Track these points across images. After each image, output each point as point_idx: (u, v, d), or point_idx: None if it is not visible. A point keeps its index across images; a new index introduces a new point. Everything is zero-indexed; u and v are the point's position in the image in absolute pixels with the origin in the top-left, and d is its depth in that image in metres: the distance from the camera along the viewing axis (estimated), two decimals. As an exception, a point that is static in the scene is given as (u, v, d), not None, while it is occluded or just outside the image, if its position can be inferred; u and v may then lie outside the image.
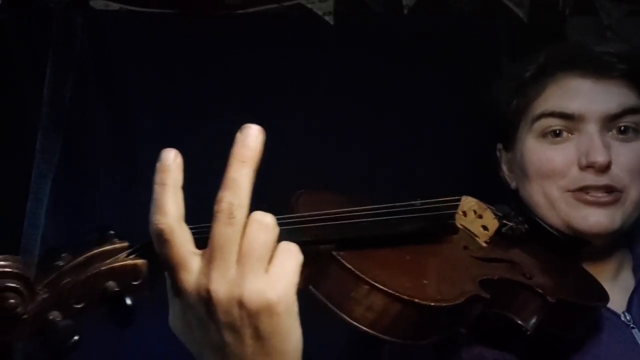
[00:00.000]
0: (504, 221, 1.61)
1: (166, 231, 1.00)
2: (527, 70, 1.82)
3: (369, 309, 1.15)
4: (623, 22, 2.72)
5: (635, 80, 1.75)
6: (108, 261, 1.01)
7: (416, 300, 1.15)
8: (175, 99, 2.47)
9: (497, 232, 1.56)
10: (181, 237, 1.01)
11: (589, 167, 1.67)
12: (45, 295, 0.95)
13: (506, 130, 1.85)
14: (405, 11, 2.61)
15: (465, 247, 1.46)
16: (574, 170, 1.69)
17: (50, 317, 0.95)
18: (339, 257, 1.16)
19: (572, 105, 1.71)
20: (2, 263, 0.91)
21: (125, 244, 1.04)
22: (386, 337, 1.18)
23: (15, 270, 0.91)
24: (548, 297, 1.40)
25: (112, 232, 1.05)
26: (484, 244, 1.53)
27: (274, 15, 2.59)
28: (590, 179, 1.67)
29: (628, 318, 1.71)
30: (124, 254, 1.02)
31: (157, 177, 1.02)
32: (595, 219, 1.68)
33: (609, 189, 1.67)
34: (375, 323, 1.16)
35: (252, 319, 1.01)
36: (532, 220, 1.72)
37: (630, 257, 1.85)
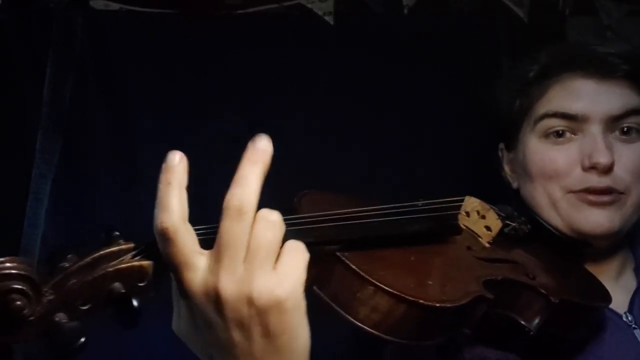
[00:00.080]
0: (507, 222, 1.60)
1: (170, 230, 0.99)
2: (530, 71, 1.82)
3: (373, 309, 1.15)
4: (623, 22, 2.72)
5: (638, 81, 1.75)
6: (114, 262, 1.00)
7: (421, 301, 1.15)
8: (175, 99, 2.48)
9: (500, 232, 1.56)
10: (185, 236, 1.01)
11: (591, 168, 1.66)
12: (51, 297, 0.95)
13: (508, 130, 1.85)
14: (405, 11, 2.61)
15: (469, 248, 1.46)
16: (577, 171, 1.69)
17: (57, 319, 0.94)
18: (343, 258, 1.16)
19: (576, 106, 1.71)
20: (8, 265, 0.91)
21: (131, 245, 1.04)
22: (390, 338, 1.17)
23: (21, 272, 0.91)
24: (551, 298, 1.40)
25: (117, 233, 1.05)
26: (487, 245, 1.53)
27: (274, 15, 2.59)
28: (593, 180, 1.67)
29: (630, 319, 1.70)
30: (130, 255, 1.02)
31: (162, 177, 1.02)
32: (596, 220, 1.68)
33: (610, 191, 1.67)
34: (379, 324, 1.16)
35: (261, 317, 1.01)
36: (535, 220, 1.71)
37: (632, 258, 1.85)
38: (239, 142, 2.45)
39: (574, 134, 1.72)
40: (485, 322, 1.31)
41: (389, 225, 1.30)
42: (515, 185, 1.87)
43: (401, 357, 1.59)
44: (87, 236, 2.23)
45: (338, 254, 1.17)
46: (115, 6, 2.47)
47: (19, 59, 2.37)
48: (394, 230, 1.30)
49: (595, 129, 1.69)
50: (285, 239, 1.05)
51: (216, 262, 1.01)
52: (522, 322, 1.41)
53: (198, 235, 1.03)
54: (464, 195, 1.58)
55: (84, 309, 0.98)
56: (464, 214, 1.55)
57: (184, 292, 1.03)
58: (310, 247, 1.07)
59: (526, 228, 1.64)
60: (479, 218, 1.55)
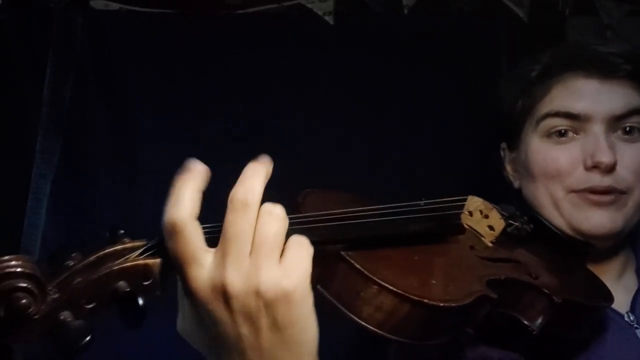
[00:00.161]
0: (510, 221, 1.60)
1: (179, 224, 1.00)
2: (533, 70, 1.81)
3: (377, 309, 1.15)
4: (623, 22, 2.72)
5: None
6: (119, 261, 1.00)
7: (425, 300, 1.15)
8: (175, 99, 2.48)
9: (503, 232, 1.55)
10: (193, 232, 1.01)
11: (594, 167, 1.66)
12: (56, 296, 0.95)
13: (511, 129, 1.85)
14: (405, 11, 2.62)
15: (472, 247, 1.45)
16: (579, 171, 1.68)
17: (62, 318, 0.94)
18: (347, 257, 1.16)
19: (578, 106, 1.71)
20: (13, 263, 0.90)
21: (136, 243, 1.04)
22: (394, 337, 1.17)
23: (26, 270, 0.90)
24: (554, 297, 1.39)
25: (122, 231, 1.05)
26: (490, 244, 1.52)
27: (274, 15, 2.59)
28: (596, 179, 1.66)
29: (632, 318, 1.70)
30: (135, 253, 1.02)
31: (180, 176, 1.04)
32: (598, 220, 1.68)
33: (612, 191, 1.67)
34: (383, 323, 1.15)
35: (269, 309, 1.01)
36: (537, 220, 1.71)
37: (633, 258, 1.84)
38: (239, 142, 2.46)
39: (576, 133, 1.71)
40: (488, 321, 1.31)
41: (392, 225, 1.30)
42: (517, 185, 1.87)
43: (404, 356, 1.59)
44: (87, 236, 2.23)
45: (342, 253, 1.16)
46: (115, 6, 2.48)
47: (19, 59, 2.38)
48: (397, 229, 1.30)
49: (597, 129, 1.69)
50: (289, 236, 1.06)
51: (222, 257, 1.01)
52: (525, 322, 1.40)
53: (204, 234, 1.04)
54: (465, 195, 1.58)
55: (89, 308, 0.97)
56: (466, 213, 1.55)
57: (190, 289, 1.02)
58: (313, 246, 1.07)
59: (529, 228, 1.64)
60: (481, 217, 1.55)
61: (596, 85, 1.72)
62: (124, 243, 1.03)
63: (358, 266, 1.15)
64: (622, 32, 2.70)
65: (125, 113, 2.46)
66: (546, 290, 1.40)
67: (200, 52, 2.51)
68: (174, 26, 2.51)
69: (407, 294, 1.14)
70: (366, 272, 1.14)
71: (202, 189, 1.03)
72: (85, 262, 0.99)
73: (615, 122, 1.69)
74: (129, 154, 2.44)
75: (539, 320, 1.40)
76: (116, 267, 0.99)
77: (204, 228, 1.03)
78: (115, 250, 1.02)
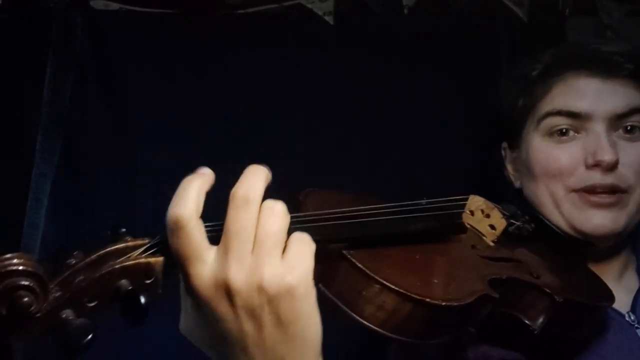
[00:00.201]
0: (512, 220, 1.60)
1: (182, 220, 1.00)
2: (534, 69, 1.81)
3: (379, 308, 1.15)
4: (623, 22, 2.72)
5: None
6: (121, 259, 1.00)
7: (427, 299, 1.15)
8: (175, 99, 2.48)
9: (504, 231, 1.55)
10: (196, 229, 1.01)
11: (595, 166, 1.66)
12: (58, 294, 0.95)
13: (511, 129, 1.85)
14: (405, 11, 2.61)
15: (473, 247, 1.45)
16: (581, 170, 1.68)
17: (64, 316, 0.94)
18: (349, 256, 1.16)
19: (580, 104, 1.71)
20: (15, 261, 0.90)
21: (138, 241, 1.04)
22: (396, 337, 1.17)
23: (28, 269, 0.90)
24: (555, 297, 1.40)
25: (124, 229, 1.05)
26: (492, 244, 1.52)
27: (274, 15, 2.59)
28: (597, 178, 1.66)
29: (632, 318, 1.70)
30: (137, 252, 1.02)
31: (188, 177, 1.05)
32: (599, 221, 1.68)
33: (614, 189, 1.67)
34: (385, 322, 1.16)
35: (273, 305, 1.01)
36: (538, 219, 1.71)
37: (634, 258, 1.85)
38: (239, 142, 2.46)
39: (578, 132, 1.71)
40: (489, 321, 1.31)
41: (394, 224, 1.30)
42: (518, 184, 1.87)
43: (406, 355, 1.59)
44: (87, 236, 2.23)
45: (344, 252, 1.16)
46: (115, 6, 2.47)
47: (19, 59, 2.37)
48: (399, 228, 1.30)
49: (599, 127, 1.69)
50: (291, 234, 1.06)
51: (225, 253, 1.01)
52: (526, 321, 1.40)
53: (207, 232, 1.04)
54: (466, 195, 1.58)
55: (91, 306, 0.97)
56: (468, 212, 1.55)
57: (192, 287, 1.02)
58: (316, 245, 1.07)
59: (530, 227, 1.64)
60: (483, 217, 1.55)
61: (598, 84, 1.72)
62: (126, 241, 1.03)
63: (360, 265, 1.15)
64: (622, 32, 2.70)
65: (125, 113, 2.46)
66: (547, 290, 1.40)
67: (200, 52, 2.51)
68: (174, 26, 2.51)
69: (409, 293, 1.14)
70: (368, 271, 1.14)
71: (207, 190, 1.04)
72: (87, 260, 0.99)
73: (617, 121, 1.70)
74: (129, 154, 2.44)
75: (540, 320, 1.40)
76: (118, 266, 0.99)
77: (206, 227, 1.03)
78: (117, 248, 1.02)
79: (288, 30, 2.60)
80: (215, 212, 1.05)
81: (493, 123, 1.95)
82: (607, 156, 1.64)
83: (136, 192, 2.41)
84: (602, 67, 1.73)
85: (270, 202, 1.05)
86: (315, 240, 1.08)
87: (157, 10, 2.49)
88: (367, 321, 1.15)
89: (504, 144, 1.91)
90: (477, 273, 1.32)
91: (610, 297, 1.56)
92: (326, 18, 2.55)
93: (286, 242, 1.05)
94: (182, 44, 2.50)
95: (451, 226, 1.43)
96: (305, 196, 1.32)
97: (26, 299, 0.90)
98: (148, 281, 1.01)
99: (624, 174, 1.67)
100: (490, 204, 1.57)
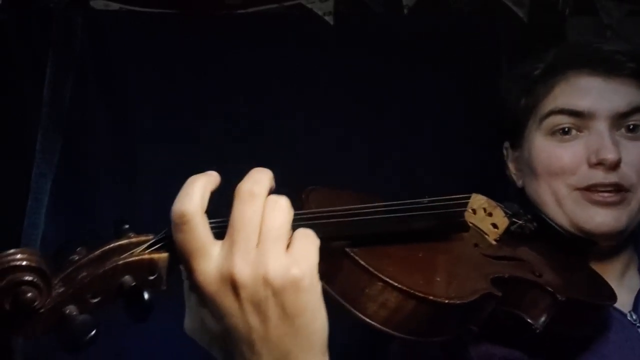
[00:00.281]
0: (514, 219, 1.60)
1: (188, 214, 1.00)
2: (536, 69, 1.81)
3: (382, 305, 1.14)
4: (623, 22, 2.72)
5: None
6: (124, 255, 1.00)
7: (430, 297, 1.14)
8: (175, 99, 2.48)
9: (507, 230, 1.55)
10: (201, 224, 1.02)
11: (598, 164, 1.66)
12: (61, 290, 0.95)
13: (513, 128, 1.85)
14: (405, 11, 2.61)
15: (476, 245, 1.45)
16: (583, 168, 1.69)
17: (67, 312, 0.94)
18: (352, 254, 1.15)
19: (582, 103, 1.71)
20: (19, 256, 0.90)
21: (142, 238, 1.04)
22: (398, 334, 1.17)
23: (32, 264, 0.90)
24: (558, 296, 1.39)
25: (127, 226, 1.04)
26: (494, 242, 1.52)
27: (274, 15, 2.59)
28: (600, 176, 1.67)
29: (634, 318, 1.70)
30: (140, 248, 1.02)
31: (194, 175, 1.06)
32: (601, 219, 1.68)
33: (617, 188, 1.67)
34: (388, 320, 1.15)
35: (278, 297, 1.01)
36: (540, 218, 1.71)
37: (636, 257, 1.85)
38: (239, 142, 2.46)
39: (580, 131, 1.71)
40: (491, 319, 1.30)
41: (396, 221, 1.30)
42: (520, 183, 1.86)
43: (408, 353, 1.59)
44: (87, 236, 2.23)
45: (346, 249, 1.16)
46: (115, 6, 2.47)
47: (19, 59, 2.37)
48: (402, 226, 1.30)
49: (601, 126, 1.69)
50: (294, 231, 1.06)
51: (230, 247, 1.02)
52: (529, 320, 1.40)
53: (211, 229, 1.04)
54: (473, 193, 1.58)
55: (94, 302, 0.97)
56: (470, 211, 1.55)
57: (197, 282, 1.02)
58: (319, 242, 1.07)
59: (532, 226, 1.64)
60: (485, 215, 1.55)
61: (600, 83, 1.72)
62: (129, 238, 1.03)
63: (363, 263, 1.14)
64: (622, 32, 2.70)
65: (125, 113, 2.46)
66: (550, 289, 1.40)
67: (200, 52, 2.51)
68: (174, 26, 2.51)
69: (412, 291, 1.14)
70: (371, 269, 1.14)
71: (212, 190, 1.05)
72: (91, 256, 0.99)
73: (619, 120, 1.70)
74: (129, 154, 2.44)
75: (543, 319, 1.40)
76: (121, 262, 0.99)
77: (210, 223, 1.03)
78: (121, 244, 1.02)
79: (288, 30, 2.60)
80: (217, 213, 1.06)
81: (494, 123, 1.95)
82: (609, 155, 1.64)
83: (136, 192, 2.41)
84: (604, 66, 1.73)
85: (274, 197, 1.06)
86: (318, 238, 1.08)
87: (157, 10, 2.49)
88: (369, 319, 1.15)
89: (506, 144, 1.91)
90: (480, 271, 1.32)
91: (613, 296, 1.56)
92: (326, 18, 2.55)
93: (290, 238, 1.05)
94: (182, 44, 2.50)
95: (454, 224, 1.43)
96: (307, 194, 1.32)
97: (30, 295, 0.90)
98: (151, 277, 1.01)
99: (627, 173, 1.67)
100: (493, 203, 1.57)
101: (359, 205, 1.26)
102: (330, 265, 1.13)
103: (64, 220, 2.35)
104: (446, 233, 1.39)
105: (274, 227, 1.03)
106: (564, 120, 1.72)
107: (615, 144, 1.66)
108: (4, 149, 2.32)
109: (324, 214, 1.19)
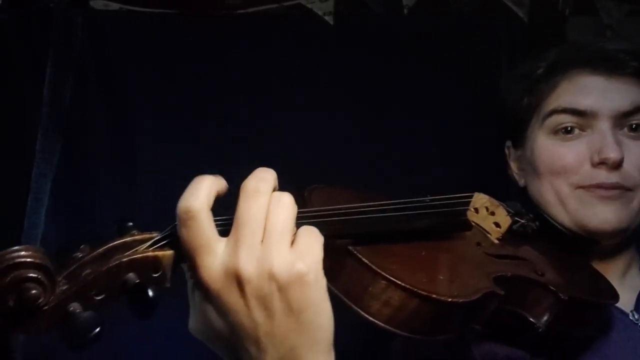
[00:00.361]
0: (516, 218, 1.60)
1: (193, 210, 1.00)
2: (539, 68, 1.81)
3: (386, 304, 1.14)
4: (623, 22, 2.72)
5: None
6: (128, 253, 1.00)
7: (434, 295, 1.15)
8: (175, 99, 2.48)
9: (509, 229, 1.55)
10: (207, 220, 1.02)
11: (601, 163, 1.66)
12: (65, 287, 0.95)
13: (515, 127, 1.85)
14: (405, 11, 2.61)
15: (478, 244, 1.45)
16: (586, 167, 1.69)
17: (71, 309, 0.94)
18: (355, 252, 1.16)
19: (585, 102, 1.71)
20: (23, 253, 0.90)
21: (145, 235, 1.04)
22: (401, 332, 1.17)
23: (36, 261, 0.90)
24: (560, 294, 1.39)
25: (131, 223, 1.04)
26: (496, 241, 1.52)
27: (274, 15, 2.59)
28: (602, 176, 1.67)
29: (636, 317, 1.70)
30: (144, 245, 1.02)
31: (202, 175, 1.06)
32: (604, 216, 1.68)
33: (619, 188, 1.67)
34: (391, 318, 1.15)
35: (283, 292, 1.01)
36: (542, 217, 1.71)
37: (637, 257, 1.85)
38: (239, 142, 2.45)
39: (583, 130, 1.71)
40: (494, 318, 1.31)
41: (400, 220, 1.30)
42: (522, 183, 1.86)
43: (410, 352, 1.59)
44: (87, 236, 2.23)
45: (350, 247, 1.16)
46: (115, 6, 2.47)
47: (19, 59, 2.37)
48: (406, 224, 1.30)
49: (604, 125, 1.69)
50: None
51: (235, 243, 1.02)
52: (531, 319, 1.40)
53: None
54: (476, 192, 1.58)
55: (98, 299, 0.97)
56: (472, 210, 1.55)
57: (202, 279, 1.02)
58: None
59: (534, 225, 1.64)
60: (488, 214, 1.55)
61: (603, 82, 1.72)
62: (133, 235, 1.03)
63: (366, 261, 1.15)
64: (622, 32, 2.70)
65: (125, 113, 2.46)
66: (552, 288, 1.40)
67: (200, 52, 2.51)
68: (174, 26, 2.51)
69: (415, 289, 1.14)
70: (374, 267, 1.14)
71: (219, 191, 1.05)
72: (94, 254, 0.99)
73: (622, 119, 1.70)
74: (129, 154, 2.44)
75: (545, 318, 1.40)
76: (125, 259, 0.99)
77: (215, 221, 1.03)
78: (124, 242, 1.01)
79: (288, 30, 2.60)
80: (218, 212, 1.05)
81: (495, 122, 1.95)
82: (612, 154, 1.64)
83: (136, 192, 2.41)
84: (607, 65, 1.73)
85: (278, 193, 1.06)
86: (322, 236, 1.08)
87: (157, 10, 2.49)
88: (373, 317, 1.15)
89: (508, 143, 1.91)
90: (483, 270, 1.32)
91: (615, 296, 1.56)
92: (326, 18, 2.55)
93: (294, 235, 1.05)
94: (182, 44, 2.50)
95: (456, 223, 1.44)
96: (310, 193, 1.32)
97: (34, 291, 0.89)
98: (155, 275, 1.01)
99: (629, 172, 1.67)
100: (495, 202, 1.57)
101: (362, 204, 1.26)
102: (333, 264, 1.13)
103: (64, 220, 2.35)
104: (449, 232, 1.39)
105: (278, 222, 1.03)
106: (566, 119, 1.72)
107: (618, 143, 1.66)
108: (4, 149, 2.32)
109: (327, 212, 1.19)
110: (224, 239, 1.03)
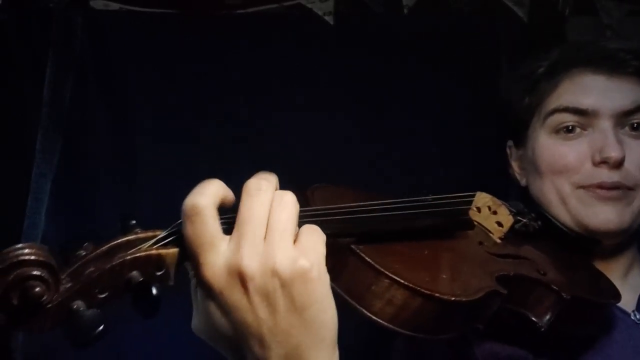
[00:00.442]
0: (518, 217, 1.60)
1: (199, 207, 1.01)
2: (540, 67, 1.81)
3: (388, 303, 1.14)
4: (623, 22, 2.72)
5: None
6: (132, 251, 0.99)
7: (437, 294, 1.14)
8: (175, 99, 2.48)
9: (511, 228, 1.55)
10: (212, 217, 1.02)
11: (602, 162, 1.66)
12: (68, 285, 0.94)
13: (517, 127, 1.85)
14: (405, 11, 2.61)
15: (480, 243, 1.45)
16: (587, 166, 1.69)
17: (74, 307, 0.93)
18: (358, 251, 1.15)
19: (586, 101, 1.71)
20: (27, 251, 0.89)
21: (149, 233, 1.03)
22: (404, 331, 1.17)
23: (40, 258, 0.90)
24: (562, 294, 1.39)
25: (134, 221, 1.04)
26: (498, 240, 1.52)
27: (274, 15, 2.59)
28: (604, 175, 1.67)
29: (638, 317, 1.70)
30: (148, 243, 1.02)
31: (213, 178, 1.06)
32: (605, 216, 1.68)
33: (620, 187, 1.67)
34: (394, 317, 1.15)
35: (286, 289, 1.01)
36: (544, 217, 1.71)
37: (639, 257, 1.85)
38: (239, 142, 2.45)
39: (584, 129, 1.71)
40: (496, 317, 1.30)
41: (402, 219, 1.30)
42: (523, 182, 1.87)
43: (413, 351, 1.59)
44: (88, 236, 2.23)
45: (352, 246, 1.16)
46: (115, 6, 2.47)
47: (19, 59, 2.37)
48: (408, 223, 1.30)
49: (605, 124, 1.69)
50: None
51: (238, 240, 1.02)
52: (533, 318, 1.40)
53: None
54: (478, 191, 1.58)
55: (102, 297, 0.97)
56: (475, 209, 1.55)
57: (205, 277, 1.02)
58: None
59: (536, 224, 1.64)
60: (490, 214, 1.55)
61: (604, 81, 1.72)
62: (136, 233, 1.03)
63: (369, 259, 1.15)
64: (622, 32, 2.70)
65: (125, 113, 2.46)
66: (554, 287, 1.40)
67: (200, 52, 2.51)
68: (174, 26, 2.51)
69: (418, 288, 1.14)
70: (377, 266, 1.14)
71: (225, 198, 1.05)
72: (98, 252, 0.99)
73: (623, 118, 1.70)
74: (129, 154, 2.44)
75: (547, 317, 1.40)
76: (129, 257, 0.98)
77: (219, 219, 1.03)
78: (128, 240, 1.01)
79: (288, 30, 2.60)
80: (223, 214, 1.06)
81: (495, 122, 1.95)
82: (614, 153, 1.64)
83: (136, 192, 2.41)
84: (608, 64, 1.73)
85: (280, 192, 1.06)
86: (325, 234, 1.08)
87: (157, 10, 2.49)
88: (375, 316, 1.15)
89: (509, 142, 1.91)
90: (485, 269, 1.32)
91: (617, 295, 1.56)
92: (326, 18, 2.54)
93: (297, 233, 1.05)
94: (182, 44, 2.50)
95: (459, 222, 1.44)
96: (312, 192, 1.32)
97: (38, 289, 0.89)
98: (159, 273, 1.01)
99: (630, 172, 1.67)
100: (497, 201, 1.57)
101: (364, 203, 1.26)
102: (336, 262, 1.13)
103: (64, 220, 2.34)
104: (451, 231, 1.39)
105: (281, 219, 1.03)
106: (568, 119, 1.72)
107: (619, 142, 1.66)
108: (4, 149, 2.32)
109: (330, 211, 1.19)
110: (228, 237, 1.03)
